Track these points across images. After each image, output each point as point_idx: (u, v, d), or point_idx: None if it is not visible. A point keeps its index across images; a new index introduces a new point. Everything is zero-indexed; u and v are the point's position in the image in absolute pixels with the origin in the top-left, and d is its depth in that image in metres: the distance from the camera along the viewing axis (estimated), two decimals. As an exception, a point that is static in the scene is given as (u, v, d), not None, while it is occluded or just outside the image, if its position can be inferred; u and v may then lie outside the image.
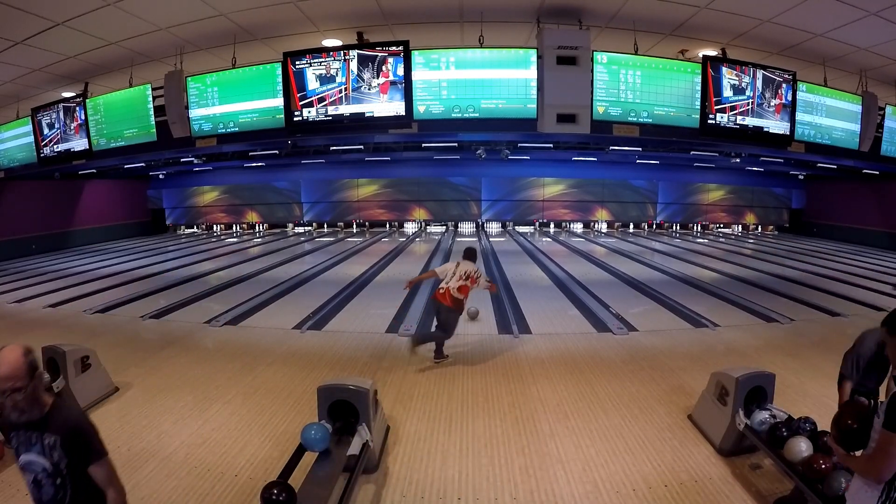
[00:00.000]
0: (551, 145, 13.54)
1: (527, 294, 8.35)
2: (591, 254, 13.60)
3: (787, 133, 7.32)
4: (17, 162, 10.29)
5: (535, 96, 6.40)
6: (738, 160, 13.88)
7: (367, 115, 6.53)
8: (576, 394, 4.50)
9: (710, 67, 6.65)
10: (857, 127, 8.05)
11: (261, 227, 20.34)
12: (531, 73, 6.35)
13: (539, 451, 3.54)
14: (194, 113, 7.26)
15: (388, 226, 20.02)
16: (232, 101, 7.09)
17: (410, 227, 20.03)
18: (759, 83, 6.94)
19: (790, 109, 7.27)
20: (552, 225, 19.97)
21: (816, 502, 2.54)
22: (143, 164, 13.92)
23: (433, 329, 5.58)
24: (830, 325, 6.80)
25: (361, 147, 12.78)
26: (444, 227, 19.86)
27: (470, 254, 5.69)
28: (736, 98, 6.84)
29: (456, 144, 12.53)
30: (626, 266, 11.35)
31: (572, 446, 3.60)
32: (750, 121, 6.99)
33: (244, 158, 14.96)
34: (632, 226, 20.16)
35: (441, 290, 5.27)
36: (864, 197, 16.35)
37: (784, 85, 7.14)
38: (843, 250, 14.67)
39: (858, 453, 1.96)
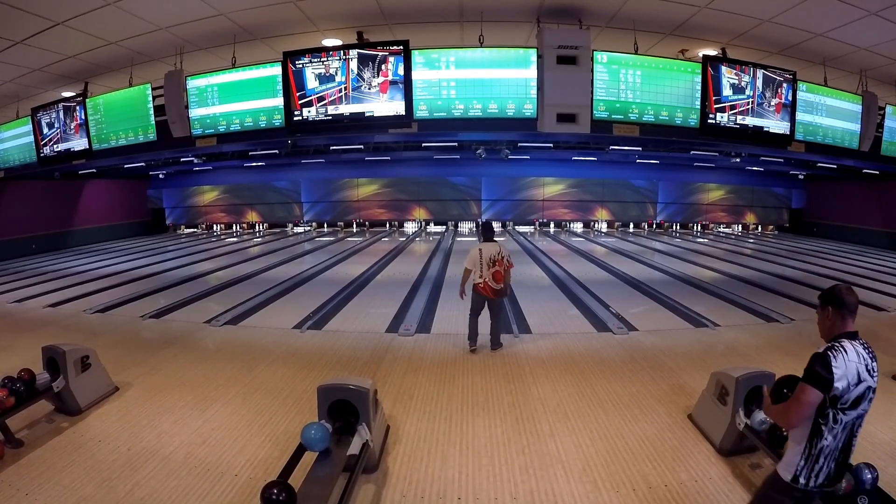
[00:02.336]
0: (551, 145, 13.54)
1: (527, 294, 8.34)
2: (591, 253, 13.60)
3: (787, 133, 7.31)
4: (16, 162, 10.29)
5: (536, 96, 6.40)
6: (738, 160, 13.88)
7: (367, 114, 6.52)
8: (576, 394, 4.50)
9: (710, 67, 6.64)
10: (857, 127, 8.04)
11: (261, 226, 20.34)
12: (531, 73, 6.34)
13: (539, 451, 3.54)
14: (194, 112, 7.25)
15: (388, 225, 20.01)
16: (232, 100, 7.08)
17: (410, 227, 20.03)
18: (759, 83, 6.93)
19: (790, 109, 7.26)
20: (552, 224, 19.97)
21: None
22: (142, 164, 13.94)
23: (472, 318, 5.60)
24: (830, 325, 6.79)
25: (361, 147, 12.77)
26: (444, 227, 19.85)
27: (487, 229, 5.67)
28: (736, 97, 6.83)
29: (456, 144, 12.55)
30: (626, 266, 11.35)
31: (572, 446, 3.60)
32: (750, 120, 6.98)
33: (244, 158, 14.97)
34: (632, 225, 20.16)
35: (480, 284, 5.40)
36: (864, 197, 16.36)
37: (784, 84, 7.13)
38: (843, 250, 14.67)
39: None
